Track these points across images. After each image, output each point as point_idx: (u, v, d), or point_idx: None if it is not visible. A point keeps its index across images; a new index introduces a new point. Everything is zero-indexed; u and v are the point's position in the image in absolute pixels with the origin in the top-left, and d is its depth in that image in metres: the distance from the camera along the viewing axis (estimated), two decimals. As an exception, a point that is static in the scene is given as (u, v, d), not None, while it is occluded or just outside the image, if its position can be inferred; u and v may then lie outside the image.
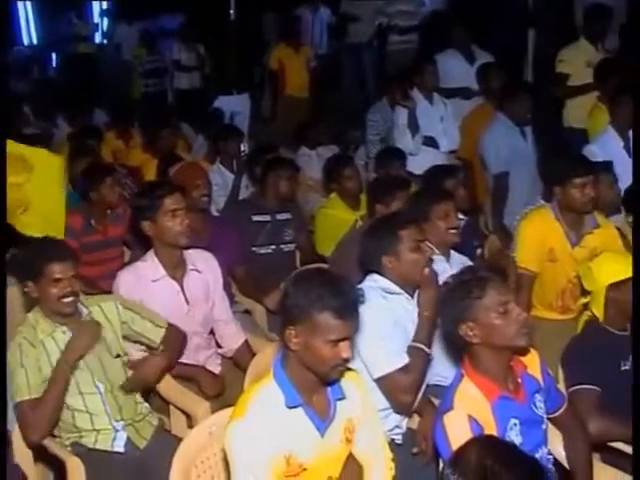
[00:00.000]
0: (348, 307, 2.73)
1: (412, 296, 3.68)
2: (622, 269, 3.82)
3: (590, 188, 4.60)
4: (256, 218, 5.58)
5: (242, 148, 7.26)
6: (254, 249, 5.51)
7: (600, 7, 8.00)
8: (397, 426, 3.67)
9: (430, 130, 6.88)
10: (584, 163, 4.83)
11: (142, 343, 3.92)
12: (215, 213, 5.90)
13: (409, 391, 3.50)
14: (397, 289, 3.65)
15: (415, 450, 3.64)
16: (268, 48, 11.26)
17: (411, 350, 3.53)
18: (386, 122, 7.71)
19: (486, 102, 7.25)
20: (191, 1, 12.68)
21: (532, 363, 3.18)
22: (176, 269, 4.19)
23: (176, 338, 3.99)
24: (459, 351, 3.15)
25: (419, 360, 3.53)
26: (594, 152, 5.86)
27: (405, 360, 3.50)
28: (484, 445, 2.22)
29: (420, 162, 6.31)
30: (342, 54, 11.90)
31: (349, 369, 2.96)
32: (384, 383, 3.48)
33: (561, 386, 3.72)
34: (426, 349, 3.56)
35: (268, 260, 5.50)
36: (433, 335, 3.65)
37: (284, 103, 9.85)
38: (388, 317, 3.54)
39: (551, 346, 3.99)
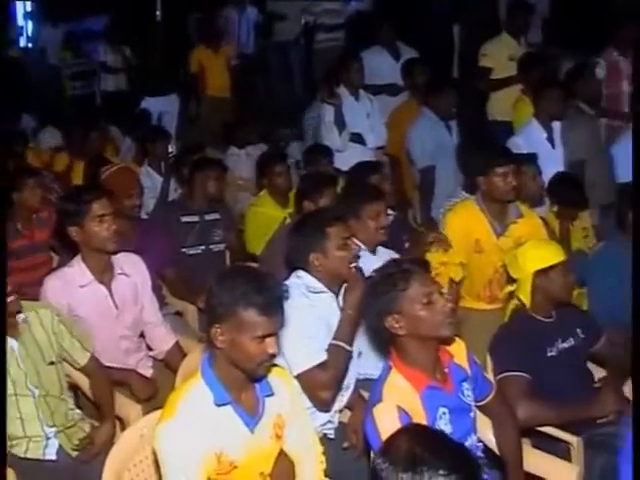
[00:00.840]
0: (273, 303, 2.74)
1: (337, 294, 3.71)
2: (548, 256, 3.90)
3: (512, 177, 4.67)
4: (185, 219, 5.56)
5: (170, 149, 7.22)
6: (184, 250, 5.50)
7: (522, 2, 8.13)
8: (329, 421, 3.68)
9: (357, 127, 6.93)
10: (505, 153, 4.91)
11: (66, 360, 3.86)
12: (144, 216, 5.86)
13: (327, 388, 3.52)
14: (321, 287, 3.66)
15: (346, 444, 3.67)
16: (192, 49, 11.22)
17: (331, 347, 3.55)
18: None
19: (412, 98, 7.32)
20: (116, 2, 12.56)
21: (459, 352, 3.22)
22: (104, 274, 4.15)
23: (99, 368, 3.95)
24: (386, 344, 3.18)
25: (338, 357, 3.55)
26: (518, 144, 5.96)
27: (322, 357, 3.52)
28: (413, 433, 2.24)
29: (347, 159, 6.35)
30: (269, 53, 11.90)
31: (276, 365, 2.97)
32: (302, 380, 3.48)
33: (490, 375, 3.78)
34: (347, 346, 3.58)
35: (198, 261, 5.48)
36: (355, 333, 3.67)
37: (207, 104, 9.84)
38: (310, 315, 3.56)
39: (481, 336, 4.05)
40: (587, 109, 6.67)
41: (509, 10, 8.23)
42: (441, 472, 2.04)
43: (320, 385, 3.50)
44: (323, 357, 3.51)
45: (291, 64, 11.63)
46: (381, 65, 7.88)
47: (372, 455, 2.96)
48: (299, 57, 11.53)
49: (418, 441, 2.15)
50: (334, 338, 3.58)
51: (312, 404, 3.57)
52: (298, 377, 3.48)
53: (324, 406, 3.60)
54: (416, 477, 2.04)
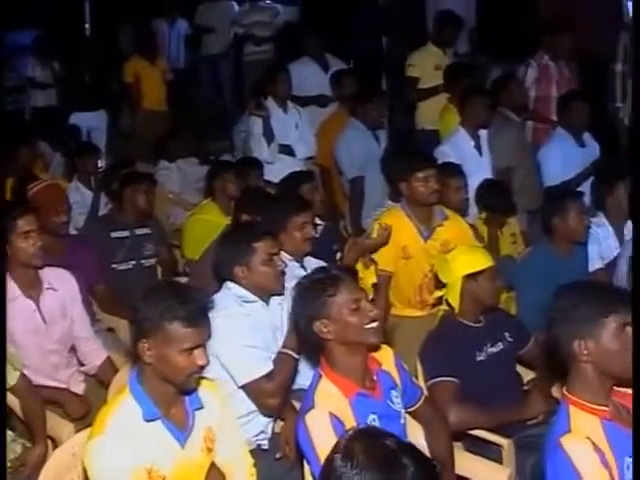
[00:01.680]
0: (197, 314, 2.75)
1: (267, 303, 3.73)
2: (476, 261, 3.96)
3: (434, 181, 4.73)
4: (115, 234, 5.53)
5: (99, 165, 7.17)
6: (114, 266, 5.46)
7: (449, 14, 8.25)
8: (262, 431, 3.70)
9: (286, 138, 6.96)
10: (425, 157, 4.97)
11: None
12: (74, 231, 5.81)
13: (274, 395, 3.54)
14: (252, 297, 3.69)
15: (278, 455, 3.68)
16: (124, 62, 11.12)
17: (279, 355, 3.57)
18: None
19: (340, 108, 7.37)
20: (44, 16, 12.41)
21: (387, 360, 3.26)
22: (31, 288, 4.13)
23: (29, 388, 3.90)
24: (316, 352, 3.21)
25: (286, 365, 3.57)
26: (446, 152, 6.04)
27: (267, 366, 3.53)
28: (372, 432, 2.22)
29: (277, 170, 6.37)
30: (199, 66, 11.87)
31: (205, 378, 2.98)
32: (249, 390, 3.51)
33: (422, 380, 3.83)
34: (294, 354, 3.60)
35: (129, 276, 5.45)
36: None
37: (142, 117, 9.72)
38: (246, 323, 3.58)
39: (413, 342, 4.10)
40: (513, 116, 6.78)
41: (435, 21, 8.34)
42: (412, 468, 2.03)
43: (268, 394, 3.53)
44: (266, 366, 3.53)
45: (221, 77, 11.61)
46: (309, 76, 7.92)
47: (305, 464, 2.99)
48: (229, 70, 11.51)
49: (383, 436, 2.13)
50: (283, 346, 3.60)
51: (260, 411, 3.60)
52: (244, 387, 3.50)
53: (273, 412, 3.64)
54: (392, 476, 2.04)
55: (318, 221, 5.10)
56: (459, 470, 3.54)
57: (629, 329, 2.72)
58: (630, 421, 2.80)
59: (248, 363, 3.50)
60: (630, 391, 2.91)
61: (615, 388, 2.83)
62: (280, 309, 3.83)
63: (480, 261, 3.95)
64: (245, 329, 3.55)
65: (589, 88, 7.44)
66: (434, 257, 4.50)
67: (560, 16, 7.98)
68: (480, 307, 3.98)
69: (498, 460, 3.72)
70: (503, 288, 4.92)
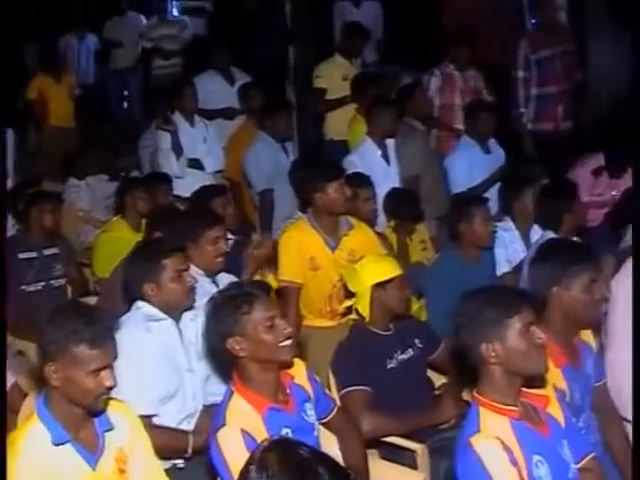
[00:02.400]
0: (103, 336, 2.73)
1: (178, 320, 3.72)
2: (385, 269, 4.01)
3: (343, 190, 4.76)
4: (22, 256, 5.45)
5: (6, 185, 7.03)
6: (23, 288, 5.39)
7: (356, 25, 8.32)
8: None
9: (194, 152, 6.93)
10: (334, 167, 5.01)
11: None
12: (-21, 253, 5.70)
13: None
14: (162, 315, 3.67)
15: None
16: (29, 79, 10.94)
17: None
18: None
19: (248, 121, 7.38)
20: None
21: (299, 373, 3.27)
22: None
23: None
24: (228, 367, 3.20)
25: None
26: (354, 162, 6.10)
27: (153, 409, 3.52)
28: (286, 442, 2.22)
29: (187, 185, 6.34)
30: (108, 81, 11.75)
31: (114, 399, 2.95)
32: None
33: (334, 390, 3.86)
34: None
35: (39, 298, 5.38)
36: None
37: (49, 134, 9.58)
38: (151, 351, 3.56)
39: (325, 353, 4.12)
40: (418, 125, 6.89)
41: (342, 32, 8.41)
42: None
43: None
44: (152, 409, 3.51)
45: (130, 92, 11.52)
46: (215, 89, 7.90)
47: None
48: (138, 84, 11.42)
49: (296, 447, 2.14)
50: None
51: None
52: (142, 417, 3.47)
53: None
54: None
55: (230, 235, 5.09)
56: (374, 477, 3.57)
57: (534, 328, 2.80)
58: (537, 420, 2.88)
59: (138, 398, 3.41)
60: (539, 391, 3.01)
61: (523, 389, 2.91)
62: (194, 324, 3.81)
63: (388, 270, 4.00)
64: (149, 357, 3.53)
65: (493, 95, 7.61)
66: (342, 267, 4.53)
67: (464, 26, 8.14)
68: (389, 315, 4.02)
69: (413, 466, 3.77)
70: (412, 295, 5.00)
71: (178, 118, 6.96)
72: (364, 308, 3.99)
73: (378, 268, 4.02)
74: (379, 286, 3.97)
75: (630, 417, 3.85)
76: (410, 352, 4.04)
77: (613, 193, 6.23)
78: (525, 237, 5.31)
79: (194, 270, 4.00)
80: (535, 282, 3.38)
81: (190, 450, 3.61)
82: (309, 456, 2.07)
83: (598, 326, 3.79)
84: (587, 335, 3.66)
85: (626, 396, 3.91)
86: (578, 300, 3.36)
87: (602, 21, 7.71)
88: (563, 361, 3.34)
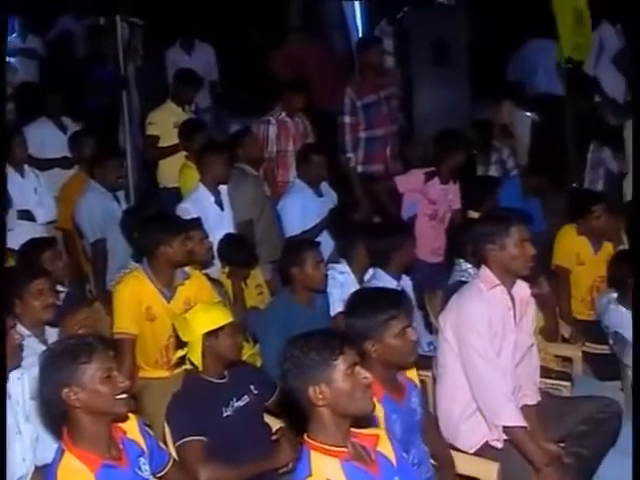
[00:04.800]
0: None
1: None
2: (216, 318, 4.02)
3: (180, 245, 4.79)
4: None
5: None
6: None
7: (187, 72, 8.34)
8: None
9: (24, 203, 6.74)
10: (173, 221, 5.02)
11: None
12: None
13: None
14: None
15: None
16: None
17: None
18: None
19: (80, 170, 7.27)
20: None
21: (131, 427, 3.24)
22: None
23: None
24: (60, 423, 3.14)
25: None
26: (188, 209, 6.10)
27: None
28: None
29: (17, 237, 6.12)
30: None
31: None
32: None
33: (170, 442, 3.83)
34: None
35: None
36: None
37: None
38: None
39: (162, 404, 4.08)
40: (250, 170, 6.94)
41: (174, 79, 8.41)
42: None
43: None
44: None
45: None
46: (48, 138, 7.75)
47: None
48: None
49: None
50: None
51: None
52: None
53: None
54: None
55: (61, 287, 5.00)
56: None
57: (358, 369, 2.88)
58: (367, 459, 2.95)
59: None
60: (368, 430, 3.08)
61: (353, 429, 2.97)
62: (20, 383, 3.72)
63: (219, 318, 4.02)
64: None
65: (324, 140, 7.77)
66: (177, 316, 4.52)
67: (296, 74, 8.32)
68: (223, 363, 4.03)
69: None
70: (248, 341, 5.04)
71: (8, 169, 6.76)
72: (197, 357, 3.99)
73: (208, 316, 4.03)
74: (210, 334, 3.97)
75: (458, 445, 4.03)
76: (246, 399, 4.05)
77: (450, 197, 6.65)
78: (361, 279, 5.44)
79: (21, 329, 3.91)
80: (351, 333, 3.45)
81: None
82: None
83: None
84: (412, 372, 3.78)
85: (454, 425, 4.08)
86: (392, 348, 3.48)
87: (427, 67, 8.00)
88: (381, 392, 3.45)
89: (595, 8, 8.87)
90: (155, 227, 4.90)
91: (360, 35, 9.81)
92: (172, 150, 7.51)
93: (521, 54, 9.72)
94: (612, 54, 8.99)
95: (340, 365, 2.85)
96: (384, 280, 5.14)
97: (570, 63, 7.49)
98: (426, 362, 4.64)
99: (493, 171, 7.99)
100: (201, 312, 4.08)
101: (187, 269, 4.95)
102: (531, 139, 8.59)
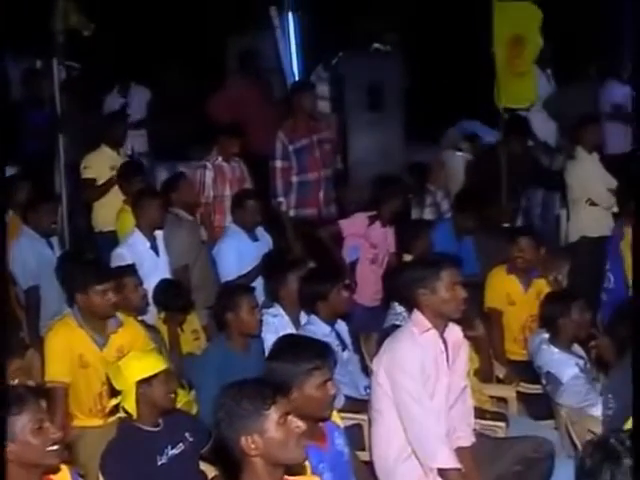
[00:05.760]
0: None
1: None
2: (149, 365, 4.00)
3: (111, 294, 4.75)
4: None
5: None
6: None
7: (121, 114, 8.32)
8: None
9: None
10: (104, 269, 5.00)
11: None
12: None
13: None
14: None
15: None
16: None
17: None
18: None
19: (14, 216, 7.18)
20: None
21: (63, 479, 3.22)
22: None
23: None
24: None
25: None
26: (123, 255, 6.08)
27: None
28: None
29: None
30: None
31: None
32: None
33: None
34: None
35: None
36: None
37: None
38: None
39: (96, 453, 4.04)
40: (185, 215, 6.93)
41: (107, 121, 8.38)
42: None
43: None
44: None
45: None
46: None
47: None
48: None
49: None
50: None
51: None
52: None
53: None
54: None
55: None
56: None
57: (290, 418, 2.89)
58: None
59: None
60: (300, 478, 3.08)
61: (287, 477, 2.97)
62: None
63: (152, 365, 4.00)
64: None
65: (262, 184, 7.81)
66: (110, 364, 4.48)
67: (232, 119, 8.37)
68: (157, 411, 4.01)
69: None
70: (181, 388, 5.01)
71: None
72: (131, 406, 3.96)
73: (141, 364, 4.01)
74: (143, 382, 3.95)
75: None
76: (181, 447, 4.02)
77: (388, 240, 6.69)
78: (295, 322, 5.45)
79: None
80: (271, 377, 3.45)
81: None
82: None
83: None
84: (335, 416, 3.79)
85: (390, 468, 4.10)
86: (312, 399, 3.47)
87: (362, 112, 8.09)
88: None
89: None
90: (80, 274, 4.87)
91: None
92: (106, 186, 7.45)
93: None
94: (543, 99, 9.19)
95: (272, 415, 2.86)
96: (318, 325, 5.17)
97: (507, 110, 7.65)
98: (363, 405, 4.69)
99: (428, 214, 8.11)
100: (134, 360, 4.06)
101: (120, 316, 4.91)
102: (465, 179, 8.71)
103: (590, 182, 7.24)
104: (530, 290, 6.00)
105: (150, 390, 3.95)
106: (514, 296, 6.04)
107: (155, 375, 3.97)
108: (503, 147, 7.81)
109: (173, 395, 4.12)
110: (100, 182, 7.62)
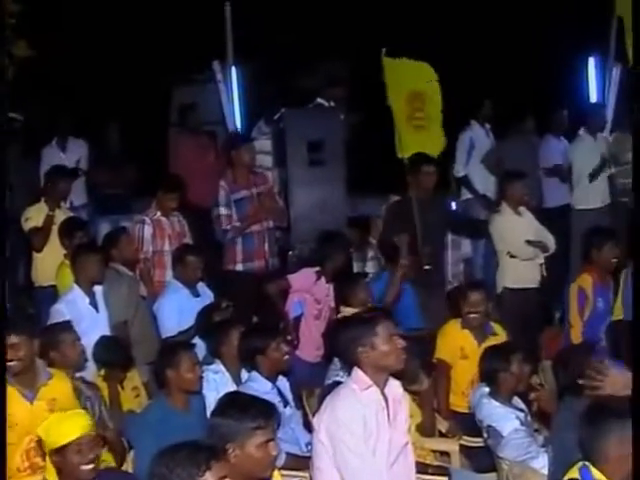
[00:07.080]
0: None
1: None
2: (63, 433, 3.87)
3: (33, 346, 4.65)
4: None
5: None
6: None
7: (59, 169, 8.25)
8: None
9: None
10: (22, 326, 4.84)
11: None
12: None
13: None
14: None
15: None
16: None
17: None
18: None
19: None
20: None
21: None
22: None
23: None
24: None
25: None
26: (61, 311, 6.04)
27: None
28: None
29: None
30: None
31: None
32: None
33: None
34: None
35: None
36: None
37: None
38: None
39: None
40: (125, 270, 6.87)
41: (46, 176, 8.29)
42: None
43: None
44: None
45: None
46: None
47: None
48: None
49: None
50: None
51: None
52: None
53: None
54: None
55: None
56: None
57: None
58: None
59: None
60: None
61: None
62: None
63: (65, 433, 3.86)
64: None
65: (203, 238, 7.78)
66: (40, 418, 4.35)
67: (172, 173, 8.38)
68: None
69: None
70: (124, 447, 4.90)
71: None
72: (50, 474, 3.88)
73: (56, 431, 3.89)
74: (57, 452, 3.85)
75: None
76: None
77: (330, 296, 6.72)
78: (236, 378, 5.41)
79: None
80: (212, 438, 3.41)
81: None
82: None
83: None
84: (276, 476, 3.76)
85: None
86: (252, 458, 3.46)
87: (303, 167, 8.11)
88: None
89: (465, 109, 9.31)
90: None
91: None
92: (47, 225, 7.37)
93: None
94: (482, 153, 9.32)
95: (209, 479, 2.82)
96: (259, 382, 5.13)
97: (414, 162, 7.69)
98: (304, 462, 4.65)
99: (370, 267, 8.12)
100: (52, 425, 3.92)
101: (51, 370, 4.79)
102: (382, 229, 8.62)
103: (508, 235, 7.42)
104: (484, 345, 5.97)
105: (62, 461, 3.83)
106: (467, 350, 6.08)
107: (69, 443, 3.82)
108: (412, 192, 7.73)
109: (91, 465, 3.89)
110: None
